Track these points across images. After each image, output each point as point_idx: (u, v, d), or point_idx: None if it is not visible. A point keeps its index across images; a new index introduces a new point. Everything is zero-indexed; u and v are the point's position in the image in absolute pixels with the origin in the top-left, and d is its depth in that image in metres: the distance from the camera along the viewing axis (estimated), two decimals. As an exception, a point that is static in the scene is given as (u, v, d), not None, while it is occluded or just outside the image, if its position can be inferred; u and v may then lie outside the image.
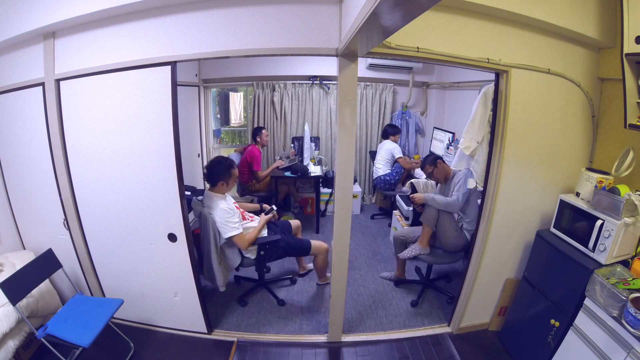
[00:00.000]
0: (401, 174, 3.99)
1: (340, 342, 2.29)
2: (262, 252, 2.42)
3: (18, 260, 2.15)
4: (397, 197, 3.68)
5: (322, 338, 2.32)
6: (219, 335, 2.34)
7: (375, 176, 4.09)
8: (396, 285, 2.90)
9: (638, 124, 1.67)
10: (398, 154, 3.97)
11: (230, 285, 2.78)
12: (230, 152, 4.30)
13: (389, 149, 3.98)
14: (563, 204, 1.93)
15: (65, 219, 2.15)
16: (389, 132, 4.10)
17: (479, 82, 3.32)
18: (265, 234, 2.51)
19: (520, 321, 2.15)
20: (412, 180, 3.14)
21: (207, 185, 2.42)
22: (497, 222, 2.05)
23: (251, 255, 2.42)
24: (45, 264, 2.03)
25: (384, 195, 4.47)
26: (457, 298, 2.34)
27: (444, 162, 2.64)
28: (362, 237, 3.85)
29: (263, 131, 3.87)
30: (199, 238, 2.40)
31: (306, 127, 3.83)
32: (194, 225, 2.62)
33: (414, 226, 3.04)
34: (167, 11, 1.68)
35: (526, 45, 1.81)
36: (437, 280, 2.97)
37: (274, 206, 2.67)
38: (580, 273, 1.69)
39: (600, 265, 1.64)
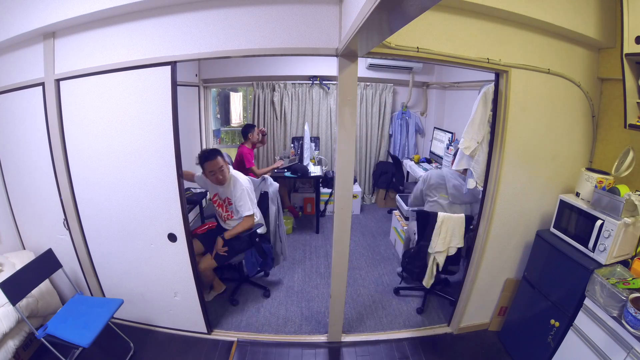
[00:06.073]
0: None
1: (340, 342, 2.29)
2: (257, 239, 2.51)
3: (18, 260, 2.15)
4: (397, 197, 3.68)
5: (322, 338, 2.32)
6: (218, 335, 2.34)
7: None
8: (395, 294, 2.78)
9: (638, 124, 1.67)
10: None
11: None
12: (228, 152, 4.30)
13: None
14: (563, 204, 1.93)
15: (65, 219, 2.15)
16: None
17: (479, 82, 3.32)
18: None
19: (520, 321, 2.15)
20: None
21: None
22: (497, 222, 2.05)
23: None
24: (45, 264, 2.03)
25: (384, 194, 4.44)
26: (457, 298, 2.34)
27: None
28: (362, 237, 3.85)
29: (255, 129, 3.69)
30: (208, 235, 2.47)
31: (306, 127, 3.83)
32: (194, 225, 2.62)
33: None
34: (167, 11, 1.68)
35: (526, 45, 1.81)
36: (437, 286, 2.77)
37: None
38: (580, 273, 1.69)
39: (600, 265, 1.64)
